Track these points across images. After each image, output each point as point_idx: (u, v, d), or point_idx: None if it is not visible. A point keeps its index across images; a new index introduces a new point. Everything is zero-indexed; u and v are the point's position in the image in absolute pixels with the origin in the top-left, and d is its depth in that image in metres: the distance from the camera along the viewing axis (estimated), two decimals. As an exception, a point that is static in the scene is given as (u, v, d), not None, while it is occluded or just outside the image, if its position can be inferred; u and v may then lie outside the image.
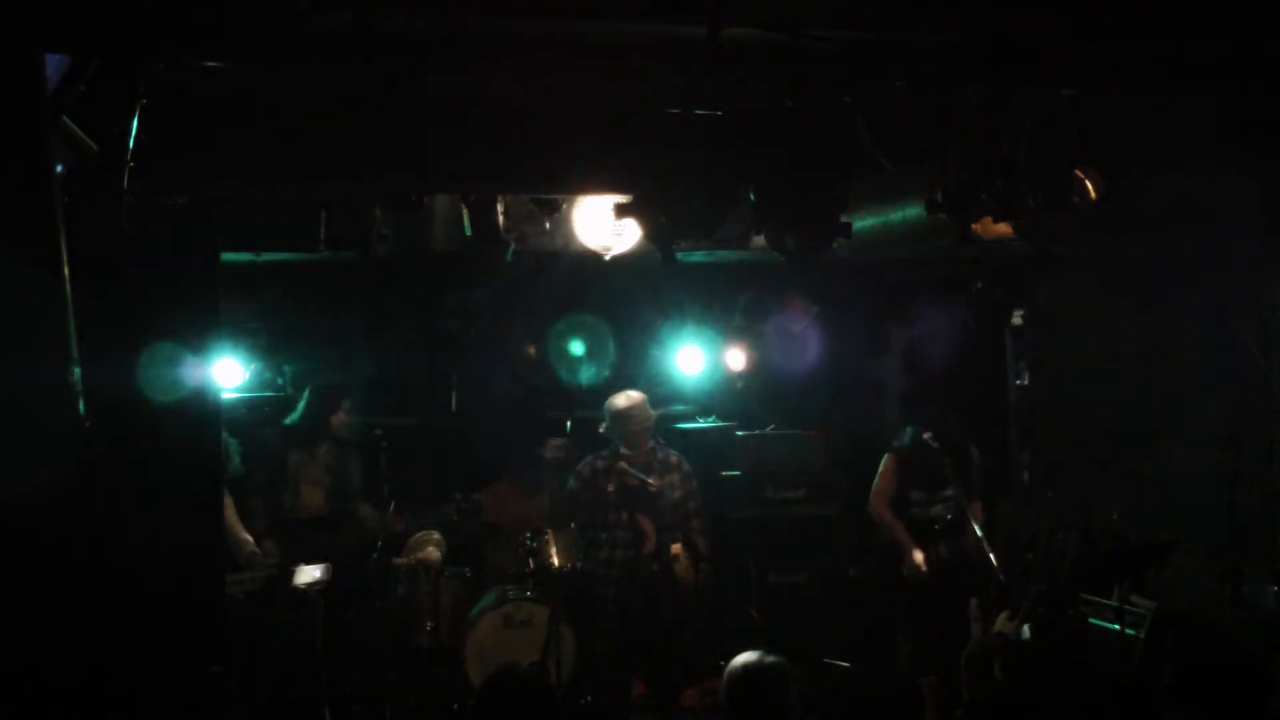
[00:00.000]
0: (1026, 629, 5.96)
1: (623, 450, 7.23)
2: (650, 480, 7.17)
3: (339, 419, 7.44)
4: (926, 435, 7.03)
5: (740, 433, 8.47)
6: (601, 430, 7.38)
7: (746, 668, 4.05)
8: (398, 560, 7.32)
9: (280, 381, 8.10)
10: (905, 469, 7.18)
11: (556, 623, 6.94)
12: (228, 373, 7.26)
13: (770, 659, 4.07)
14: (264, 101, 4.89)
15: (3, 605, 3.87)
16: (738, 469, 8.28)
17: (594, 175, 5.35)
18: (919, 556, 6.98)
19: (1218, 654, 4.04)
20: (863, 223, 5.29)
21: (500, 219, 6.14)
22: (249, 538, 6.70)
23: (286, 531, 7.15)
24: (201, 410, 4.41)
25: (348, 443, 7.54)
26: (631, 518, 7.10)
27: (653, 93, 4.81)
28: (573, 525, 7.38)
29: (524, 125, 5.11)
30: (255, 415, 7.81)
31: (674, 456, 7.41)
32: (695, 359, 8.51)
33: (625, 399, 7.32)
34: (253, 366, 7.77)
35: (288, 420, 7.48)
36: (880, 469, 7.32)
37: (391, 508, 7.34)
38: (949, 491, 6.97)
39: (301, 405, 7.47)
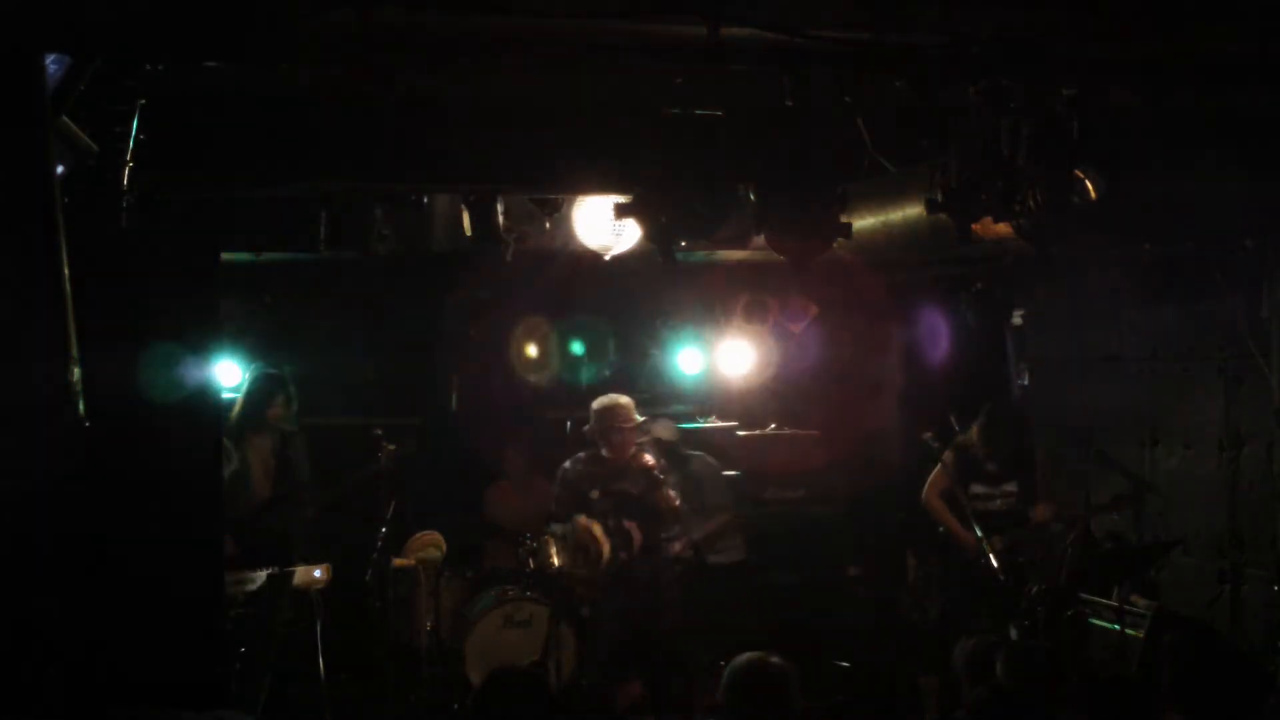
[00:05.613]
0: (1013, 629, 5.98)
1: (604, 453, 7.10)
2: (626, 486, 7.02)
3: (274, 411, 7.27)
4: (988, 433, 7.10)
5: (740, 433, 8.47)
6: (585, 429, 7.27)
7: (748, 667, 4.00)
8: (398, 560, 7.31)
9: (279, 381, 8.07)
10: (965, 463, 7.16)
11: (556, 623, 6.94)
12: (228, 373, 7.23)
13: (772, 660, 4.01)
14: (264, 101, 4.89)
15: (2, 605, 3.88)
16: (738, 469, 8.28)
17: (594, 175, 5.35)
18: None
19: (1218, 654, 4.05)
20: (863, 223, 5.29)
21: (500, 219, 6.14)
22: (232, 540, 6.61)
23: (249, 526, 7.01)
24: (201, 410, 4.41)
25: (293, 431, 7.43)
26: (618, 523, 7.00)
27: (653, 93, 4.80)
28: (554, 526, 7.27)
29: (524, 125, 5.11)
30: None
31: (648, 458, 7.10)
32: (695, 359, 8.50)
33: (607, 399, 7.19)
34: (253, 366, 7.75)
35: (232, 414, 7.25)
36: (940, 461, 7.28)
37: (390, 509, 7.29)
38: (1011, 486, 7.00)
39: (241, 397, 7.31)
